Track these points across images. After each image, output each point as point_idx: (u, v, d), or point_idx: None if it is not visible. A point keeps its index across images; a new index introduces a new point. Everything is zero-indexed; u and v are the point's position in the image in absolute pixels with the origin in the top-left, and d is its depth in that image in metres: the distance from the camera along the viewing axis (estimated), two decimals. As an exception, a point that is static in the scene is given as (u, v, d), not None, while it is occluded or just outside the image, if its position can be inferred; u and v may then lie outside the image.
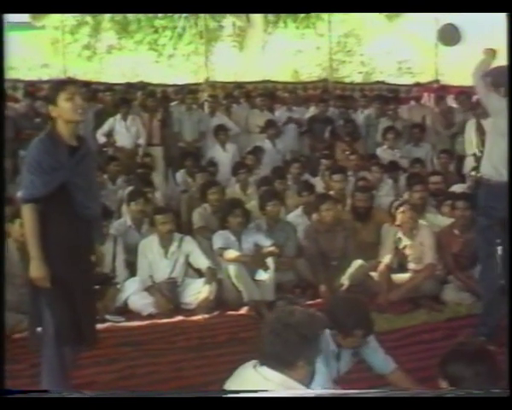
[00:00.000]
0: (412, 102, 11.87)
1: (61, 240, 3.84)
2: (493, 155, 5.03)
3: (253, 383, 2.76)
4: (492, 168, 5.03)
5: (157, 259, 6.38)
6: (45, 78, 15.11)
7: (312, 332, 2.83)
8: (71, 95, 3.83)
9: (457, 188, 7.76)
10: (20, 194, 3.83)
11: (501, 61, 5.26)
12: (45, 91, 4.03)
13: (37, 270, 3.77)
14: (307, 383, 2.85)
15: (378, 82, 15.41)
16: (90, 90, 10.61)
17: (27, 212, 3.78)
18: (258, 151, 9.37)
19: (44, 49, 19.13)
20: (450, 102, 11.18)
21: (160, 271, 6.37)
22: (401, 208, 6.50)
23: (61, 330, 3.82)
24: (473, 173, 5.22)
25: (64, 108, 3.82)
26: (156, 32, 20.00)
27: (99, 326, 5.33)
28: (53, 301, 3.82)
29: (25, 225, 3.80)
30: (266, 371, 2.76)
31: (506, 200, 4.90)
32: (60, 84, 3.97)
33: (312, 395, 2.71)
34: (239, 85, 12.76)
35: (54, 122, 3.87)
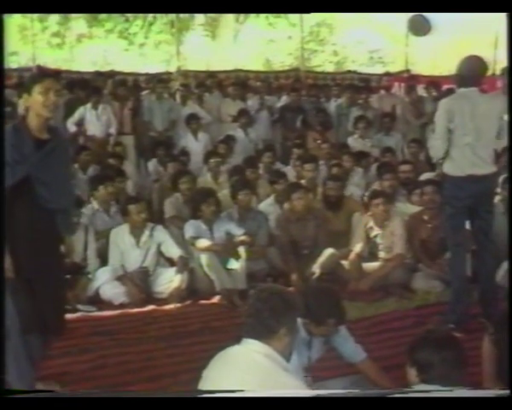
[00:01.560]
0: (382, 92, 11.94)
1: (24, 231, 3.83)
2: (455, 152, 5.11)
3: (239, 356, 2.92)
4: (454, 166, 5.12)
5: (128, 248, 6.36)
6: (14, 66, 14.94)
7: (294, 301, 3.06)
8: (45, 89, 3.80)
9: (426, 177, 7.83)
10: None
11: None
12: (22, 79, 3.92)
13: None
14: (288, 355, 2.98)
15: (349, 71, 15.49)
16: (59, 79, 10.51)
17: None
18: (230, 140, 9.37)
19: (13, 37, 18.88)
20: (421, 91, 11.28)
21: (132, 260, 6.35)
22: (375, 201, 6.52)
23: (23, 319, 3.81)
24: (440, 161, 5.33)
25: (37, 101, 3.80)
26: (127, 20, 19.87)
27: (70, 316, 5.34)
28: (15, 291, 3.80)
29: None
30: (251, 342, 2.90)
31: (468, 189, 5.02)
32: (37, 76, 3.92)
33: (309, 396, 2.74)
34: (211, 75, 12.74)
35: (25, 112, 3.83)
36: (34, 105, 3.81)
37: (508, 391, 2.70)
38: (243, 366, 2.87)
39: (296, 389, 2.83)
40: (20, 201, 3.81)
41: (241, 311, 5.81)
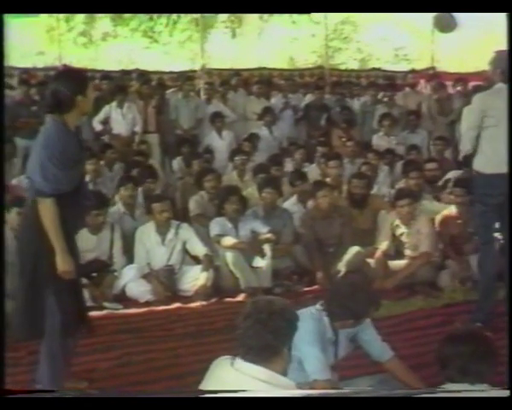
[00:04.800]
0: (408, 89, 11.86)
1: (73, 232, 3.86)
2: (488, 149, 5.03)
3: (235, 382, 2.67)
4: (486, 163, 5.04)
5: (154, 246, 6.38)
6: (40, 65, 15.08)
7: (294, 316, 2.83)
8: (94, 87, 3.87)
9: (452, 175, 7.76)
10: (39, 187, 3.75)
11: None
12: (73, 82, 3.88)
13: (65, 263, 3.76)
14: (287, 372, 2.78)
15: (374, 69, 15.41)
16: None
17: (49, 206, 3.72)
18: (254, 138, 9.36)
19: (39, 37, 19.05)
20: (448, 88, 11.18)
21: (158, 258, 6.37)
22: (401, 201, 6.46)
23: (68, 321, 3.82)
24: (467, 159, 5.31)
25: (90, 100, 3.85)
26: (151, 19, 19.94)
27: (97, 314, 5.38)
28: (60, 293, 3.82)
29: (46, 219, 3.73)
30: (248, 366, 2.68)
31: (500, 187, 4.93)
32: (85, 76, 3.97)
33: (310, 396, 2.71)
34: (235, 73, 12.73)
35: (67, 111, 3.80)
36: (88, 104, 3.85)
37: (508, 391, 2.68)
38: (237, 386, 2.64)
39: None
40: (73, 201, 3.83)
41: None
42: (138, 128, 9.49)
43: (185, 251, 6.51)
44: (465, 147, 5.29)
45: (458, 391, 2.77)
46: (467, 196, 6.27)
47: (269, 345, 2.69)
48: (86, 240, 6.04)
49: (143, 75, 11.56)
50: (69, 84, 3.81)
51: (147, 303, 6.05)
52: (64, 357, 3.93)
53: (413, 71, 14.16)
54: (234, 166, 8.36)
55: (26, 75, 11.67)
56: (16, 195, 6.15)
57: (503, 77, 4.99)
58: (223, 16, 20.08)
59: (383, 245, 6.55)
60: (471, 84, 10.76)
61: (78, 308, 3.90)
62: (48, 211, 3.72)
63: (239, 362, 2.71)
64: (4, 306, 3.68)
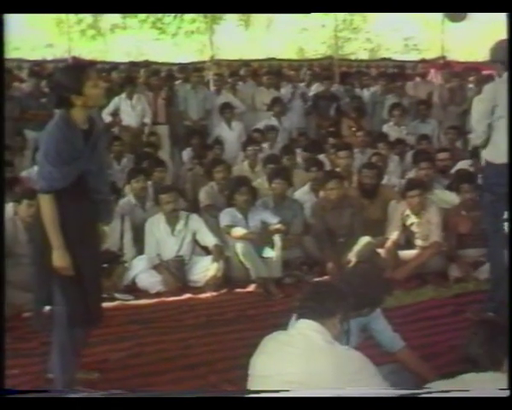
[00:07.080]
0: (418, 79, 11.80)
1: (75, 226, 3.83)
2: (499, 139, 4.99)
3: (293, 336, 2.97)
4: (497, 153, 5.00)
5: (164, 237, 6.39)
6: (50, 57, 15.12)
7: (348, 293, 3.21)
8: (96, 81, 3.80)
9: (462, 165, 7.70)
10: (37, 183, 3.75)
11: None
12: (66, 80, 3.80)
13: (61, 260, 3.74)
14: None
15: (384, 59, 15.37)
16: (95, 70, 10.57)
17: (47, 202, 3.71)
18: (265, 129, 9.32)
19: (49, 30, 19.09)
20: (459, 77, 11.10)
21: (168, 249, 6.38)
22: (411, 192, 6.43)
23: (74, 312, 3.82)
24: (480, 149, 5.29)
25: (91, 95, 3.76)
26: (160, 10, 19.93)
27: (108, 305, 5.39)
28: (66, 284, 3.80)
29: (44, 216, 3.73)
30: (306, 322, 2.98)
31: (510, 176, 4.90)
32: (82, 71, 3.88)
33: (313, 396, 2.72)
34: (245, 63, 12.71)
35: (69, 108, 3.76)
36: (88, 100, 3.77)
37: (508, 391, 2.66)
38: (299, 343, 2.91)
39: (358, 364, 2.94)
40: (75, 197, 3.79)
41: (277, 299, 5.84)
42: (148, 119, 9.49)
43: (195, 242, 6.51)
44: (477, 138, 5.26)
45: (458, 391, 2.76)
46: (475, 191, 6.22)
47: (325, 304, 3.00)
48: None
49: (152, 66, 11.56)
50: (64, 83, 3.77)
51: (157, 294, 6.06)
52: (73, 347, 3.93)
53: (423, 60, 14.08)
54: (246, 156, 8.33)
55: (37, 68, 11.68)
56: (27, 187, 6.17)
57: (504, 67, 4.96)
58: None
59: (393, 235, 6.52)
60: (483, 72, 10.68)
61: (86, 300, 3.88)
62: (45, 207, 3.72)
63: (295, 322, 3.06)
64: (4, 305, 3.67)
